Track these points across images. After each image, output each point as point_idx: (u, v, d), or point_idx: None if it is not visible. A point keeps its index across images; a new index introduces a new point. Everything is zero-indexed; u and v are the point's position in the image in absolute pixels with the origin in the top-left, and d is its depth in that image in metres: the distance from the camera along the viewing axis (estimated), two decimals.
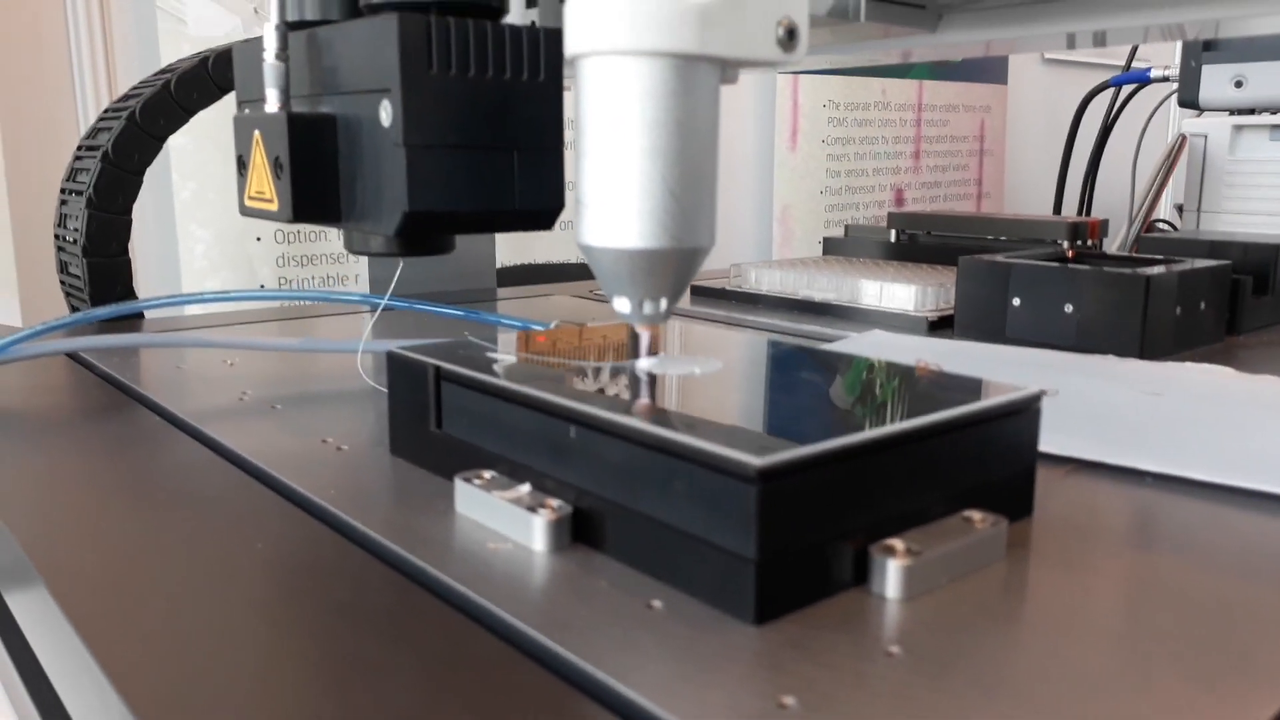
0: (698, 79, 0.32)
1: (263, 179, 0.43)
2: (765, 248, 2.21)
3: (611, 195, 0.33)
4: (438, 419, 0.37)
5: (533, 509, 0.31)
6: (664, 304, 0.34)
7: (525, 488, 0.32)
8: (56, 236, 0.76)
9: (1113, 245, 1.91)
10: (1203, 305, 0.66)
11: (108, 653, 0.25)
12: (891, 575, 0.28)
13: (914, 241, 0.95)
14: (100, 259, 0.72)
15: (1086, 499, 0.36)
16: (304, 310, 0.79)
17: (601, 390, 0.33)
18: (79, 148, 0.75)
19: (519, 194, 0.41)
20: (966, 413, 0.31)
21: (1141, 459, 0.39)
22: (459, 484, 0.33)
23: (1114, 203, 1.88)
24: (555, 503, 0.31)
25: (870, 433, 0.28)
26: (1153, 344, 0.61)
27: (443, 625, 0.26)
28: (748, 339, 0.42)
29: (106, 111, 0.76)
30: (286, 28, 0.41)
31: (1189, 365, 0.57)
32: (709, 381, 0.35)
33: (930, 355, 0.61)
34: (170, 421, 0.45)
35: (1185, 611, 0.27)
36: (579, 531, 0.31)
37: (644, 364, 0.36)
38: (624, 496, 0.29)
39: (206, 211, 1.59)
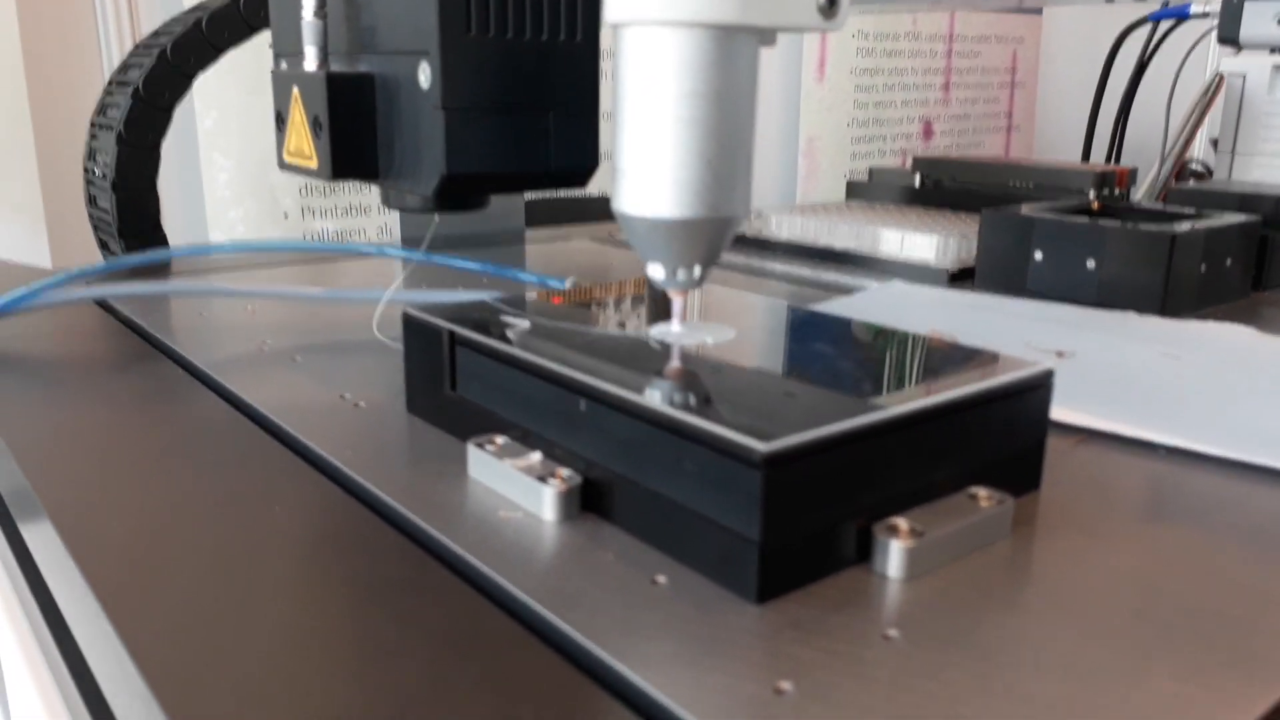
0: (737, 48, 0.32)
1: (302, 136, 0.43)
2: (790, 181, 2.18)
3: (648, 165, 0.33)
4: (452, 382, 0.37)
5: (543, 479, 0.31)
6: (698, 271, 0.35)
7: (536, 455, 0.33)
8: (86, 170, 0.76)
9: (1143, 186, 1.88)
10: (1229, 261, 0.65)
11: (118, 609, 0.26)
12: (894, 556, 0.28)
13: (938, 186, 0.93)
14: (129, 194, 0.72)
15: (1095, 472, 0.36)
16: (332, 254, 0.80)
17: (614, 360, 0.33)
18: (109, 83, 0.75)
19: (554, 154, 0.41)
20: (976, 391, 0.31)
21: (1154, 430, 0.39)
22: (471, 450, 0.34)
23: (1147, 142, 1.84)
24: (565, 472, 0.32)
25: (877, 414, 0.28)
26: (1175, 301, 0.61)
27: (452, 599, 0.27)
28: (762, 304, 0.42)
29: (138, 47, 0.75)
30: None
31: (1210, 325, 0.56)
32: (720, 352, 0.35)
33: (949, 307, 0.60)
34: (190, 373, 0.46)
35: (1190, 598, 0.27)
36: (589, 501, 0.31)
37: (656, 331, 0.37)
38: (632, 471, 0.30)
39: (228, 140, 1.58)
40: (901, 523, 0.29)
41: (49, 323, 0.53)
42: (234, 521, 0.31)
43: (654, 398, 0.30)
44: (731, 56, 0.32)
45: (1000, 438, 0.32)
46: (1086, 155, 1.90)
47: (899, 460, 0.29)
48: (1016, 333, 0.55)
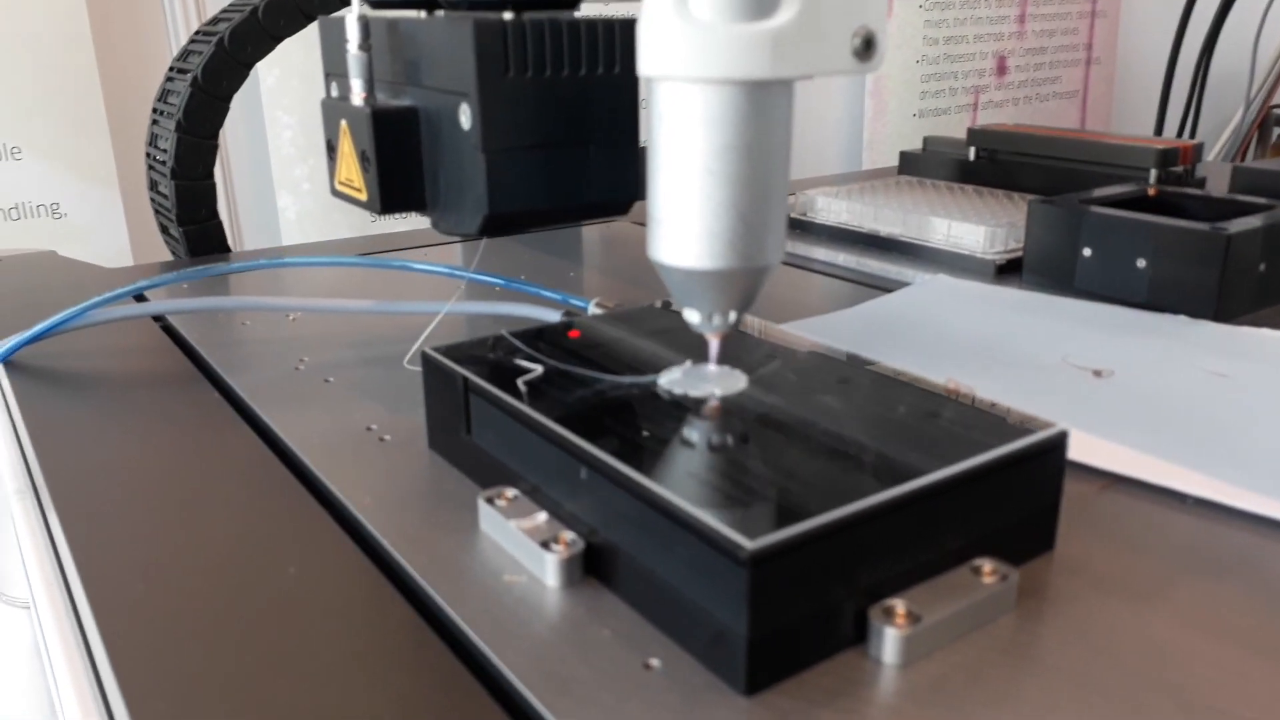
0: (770, 101, 0.32)
1: (351, 168, 0.44)
2: (856, 123, 2.13)
3: (682, 216, 0.33)
4: (467, 427, 0.38)
5: (547, 544, 0.32)
6: (733, 316, 0.35)
7: (543, 516, 0.33)
8: (148, 155, 0.78)
9: (1224, 135, 1.79)
10: None
11: (122, 664, 0.27)
12: (889, 643, 0.28)
13: (993, 160, 0.90)
14: (187, 181, 0.74)
15: (1115, 529, 0.35)
16: (392, 242, 0.81)
17: (618, 420, 0.34)
18: (170, 69, 0.76)
19: (595, 186, 0.41)
20: (983, 463, 0.31)
21: (1183, 478, 0.38)
22: (482, 505, 0.34)
23: (1234, 78, 1.75)
24: (570, 536, 0.32)
25: (872, 500, 0.28)
26: (1231, 303, 0.58)
27: (448, 682, 0.28)
28: (779, 345, 0.41)
29: (197, 34, 0.77)
30: (368, 20, 0.42)
31: (1267, 334, 0.54)
32: (727, 407, 0.35)
33: (991, 308, 0.59)
34: (225, 395, 0.47)
35: (1194, 692, 0.27)
36: (592, 564, 0.32)
37: (665, 381, 0.37)
38: (628, 545, 0.30)
39: (290, 98, 1.60)
40: (899, 606, 0.29)
41: (94, 336, 0.55)
42: (246, 581, 0.32)
43: (650, 472, 0.30)
44: (764, 109, 0.32)
45: (1010, 505, 0.32)
46: (1167, 91, 1.82)
47: (897, 540, 0.29)
48: (1056, 342, 0.53)
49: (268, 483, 0.39)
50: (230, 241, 0.75)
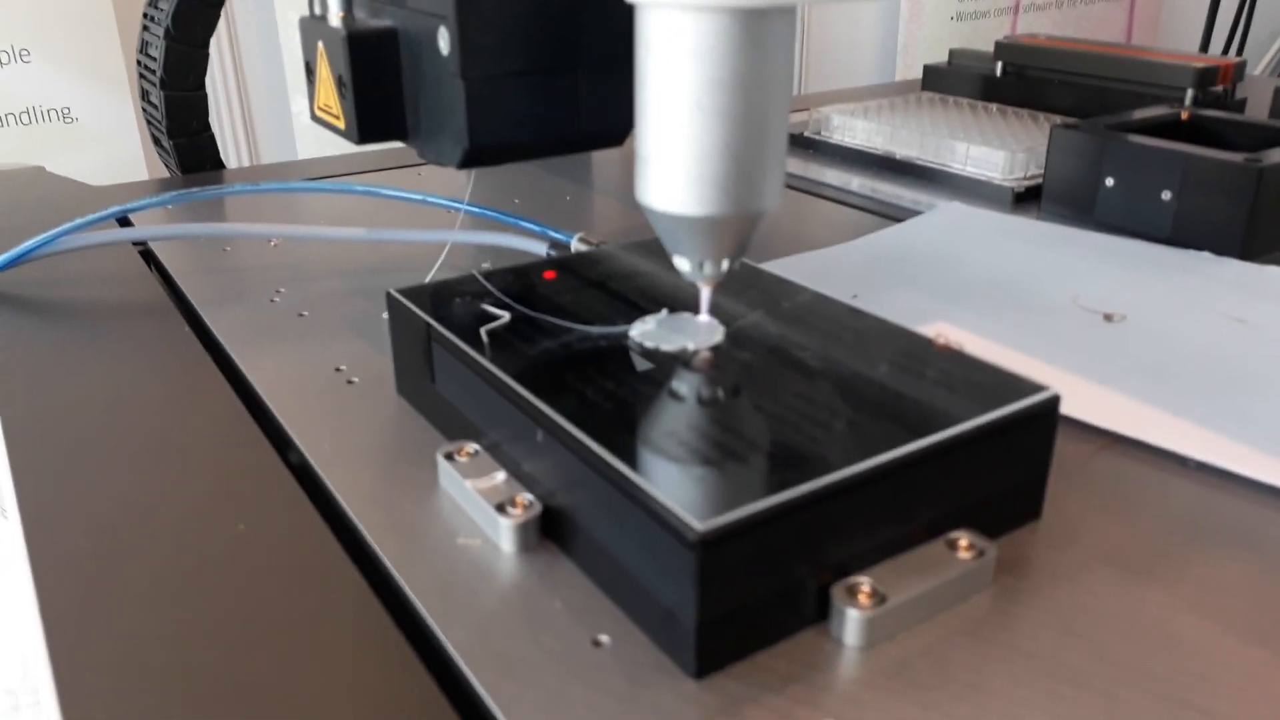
0: (767, 31, 0.29)
1: (329, 93, 0.42)
2: (891, 24, 2.05)
3: (671, 156, 0.31)
4: (431, 375, 0.36)
5: (503, 507, 0.30)
6: (725, 264, 0.33)
7: (501, 476, 0.32)
8: (138, 62, 0.76)
9: (1272, 48, 1.70)
10: None
11: (55, 625, 0.26)
12: (850, 625, 0.26)
13: (1021, 77, 0.86)
14: (177, 92, 0.72)
15: (1109, 494, 0.33)
16: (399, 158, 0.78)
17: (583, 376, 0.32)
18: None
19: (585, 117, 0.39)
20: (963, 432, 0.29)
21: (1184, 440, 0.36)
22: (441, 461, 0.33)
23: None
24: (527, 498, 0.31)
25: (839, 473, 0.26)
26: (1260, 240, 0.55)
27: (389, 656, 0.26)
28: (766, 291, 0.39)
29: None
30: None
31: None
32: (698, 364, 0.33)
33: (1005, 240, 0.56)
34: (196, 328, 0.46)
35: (1171, 685, 0.25)
36: (550, 526, 0.31)
37: (637, 332, 0.35)
38: (582, 515, 0.29)
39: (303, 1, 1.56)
40: (864, 584, 0.27)
41: (71, 262, 0.53)
42: (195, 537, 0.31)
43: (606, 438, 0.28)
44: (760, 39, 0.29)
45: (993, 475, 0.30)
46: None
47: (865, 515, 0.27)
48: (1068, 281, 0.50)
49: (228, 428, 0.38)
50: (245, 149, 0.73)
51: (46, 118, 1.48)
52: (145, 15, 0.74)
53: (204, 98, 0.73)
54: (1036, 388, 0.31)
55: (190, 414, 0.39)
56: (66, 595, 0.29)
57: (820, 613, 0.27)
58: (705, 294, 0.34)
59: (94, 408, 0.39)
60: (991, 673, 0.26)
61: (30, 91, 1.46)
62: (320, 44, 0.42)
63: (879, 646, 0.27)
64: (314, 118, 0.45)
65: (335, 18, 0.40)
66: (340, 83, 0.40)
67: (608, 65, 0.39)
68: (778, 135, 0.31)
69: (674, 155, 0.30)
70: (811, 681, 0.25)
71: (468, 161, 0.38)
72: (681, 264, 0.33)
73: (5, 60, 1.42)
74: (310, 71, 0.44)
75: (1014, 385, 0.31)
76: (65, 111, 1.50)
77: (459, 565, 0.30)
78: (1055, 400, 0.31)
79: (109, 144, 1.51)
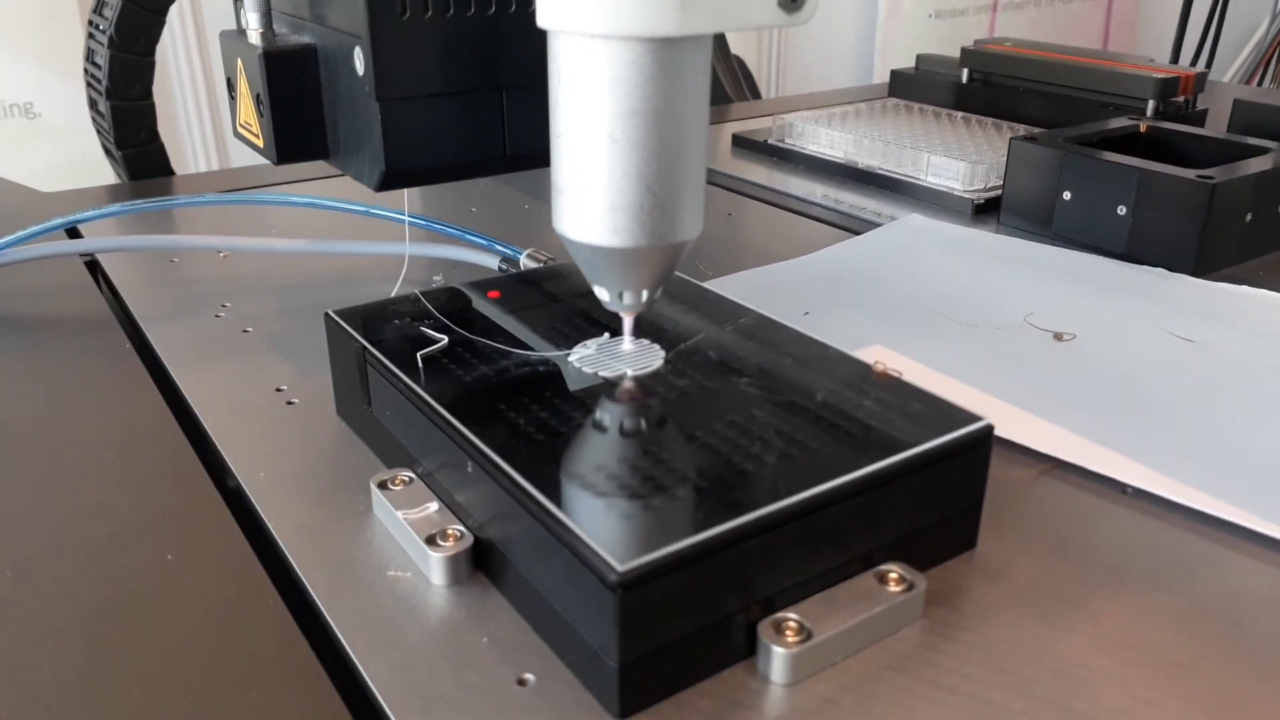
0: (680, 60, 0.29)
1: (249, 111, 0.41)
2: (870, 20, 2.04)
3: (585, 187, 0.30)
4: (367, 399, 0.36)
5: (433, 539, 0.30)
6: (644, 295, 0.32)
7: (434, 506, 0.32)
8: (85, 71, 0.74)
9: (1242, 53, 1.71)
10: None
11: None
12: (776, 662, 0.26)
13: (987, 84, 0.86)
14: (123, 102, 0.71)
15: (1045, 524, 0.33)
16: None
17: (516, 405, 0.31)
18: None
19: (511, 137, 0.38)
20: (894, 464, 0.28)
21: (1126, 468, 0.36)
22: (374, 489, 0.33)
23: None
24: (458, 530, 0.30)
25: (764, 510, 0.26)
26: (1213, 255, 0.55)
27: (312, 696, 0.26)
28: (710, 313, 0.39)
29: None
30: None
31: (1246, 293, 0.51)
32: (634, 392, 0.32)
33: (961, 255, 0.56)
34: (138, 345, 0.45)
35: None
36: (481, 558, 0.30)
37: (576, 358, 0.34)
38: (510, 550, 0.28)
39: None
40: (791, 619, 0.27)
41: (16, 274, 0.52)
42: (122, 567, 0.31)
43: (534, 471, 0.28)
44: (674, 70, 0.29)
45: (926, 507, 0.30)
46: (1189, 1, 1.73)
47: (794, 551, 0.27)
48: (1021, 299, 0.50)
49: (164, 452, 0.37)
50: (214, 152, 0.72)
51: (9, 113, 1.46)
52: (90, 23, 0.73)
53: (151, 107, 0.72)
54: (971, 418, 0.31)
55: (127, 436, 0.38)
56: None
57: (749, 648, 0.27)
58: (627, 323, 0.34)
59: (28, 427, 0.39)
60: (915, 709, 0.26)
61: None
62: (239, 60, 0.41)
63: (805, 683, 0.26)
64: (236, 135, 0.44)
65: (254, 34, 0.39)
66: (258, 101, 0.39)
67: (533, 84, 0.38)
68: (695, 165, 0.31)
69: (587, 186, 0.30)
70: (735, 719, 0.25)
71: (386, 184, 0.37)
72: (601, 293, 0.33)
73: None
74: (231, 87, 0.43)
75: (949, 415, 0.31)
76: (28, 107, 1.47)
77: (387, 599, 0.29)
78: (988, 430, 0.31)
79: (72, 139, 1.48)
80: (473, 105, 0.36)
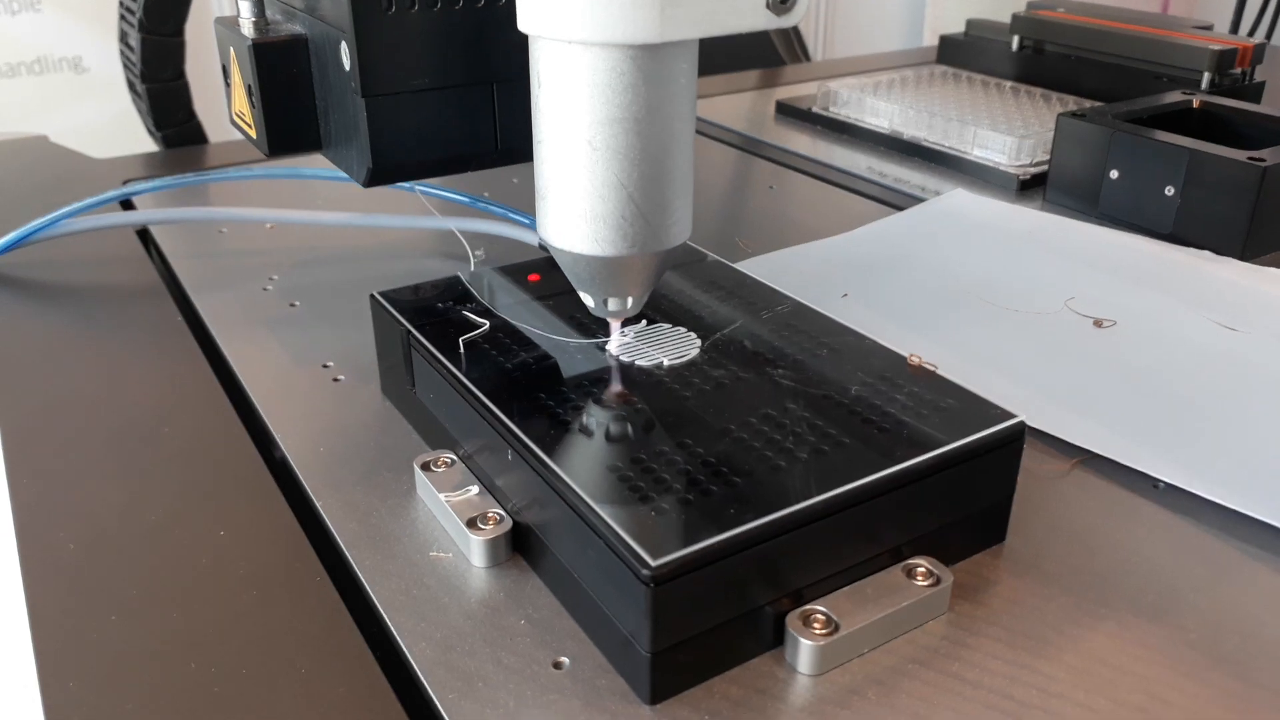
0: (662, 67, 0.29)
1: (242, 100, 0.41)
2: None
3: (567, 194, 0.30)
4: (411, 381, 0.37)
5: (474, 522, 0.31)
6: (630, 302, 0.33)
7: (475, 490, 0.33)
8: (120, 52, 0.75)
9: None
10: None
11: (42, 629, 0.27)
12: (803, 654, 0.27)
13: (1038, 52, 0.84)
14: (158, 84, 0.71)
15: (1075, 519, 0.34)
16: None
17: (555, 392, 0.32)
18: None
19: (502, 131, 0.38)
20: (925, 462, 0.29)
21: (1158, 464, 0.36)
22: (418, 471, 0.34)
23: None
24: (498, 513, 0.31)
25: (796, 506, 0.27)
26: (1262, 239, 0.54)
27: (355, 672, 0.27)
28: (752, 292, 0.39)
29: None
30: None
31: None
32: (670, 380, 0.33)
33: (1004, 234, 0.56)
34: (189, 317, 0.47)
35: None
36: (519, 541, 0.31)
37: (613, 345, 0.35)
38: (548, 536, 0.29)
39: None
40: (819, 612, 0.28)
41: (68, 242, 0.54)
42: (179, 544, 0.32)
43: (572, 463, 0.28)
44: (656, 77, 0.29)
45: (956, 503, 0.30)
46: None
47: (824, 546, 0.28)
48: (1063, 281, 0.50)
49: (216, 427, 0.38)
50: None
51: (58, 67, 1.48)
52: (121, 4, 0.74)
53: (185, 86, 0.72)
54: (1003, 415, 0.31)
55: (179, 411, 0.40)
56: (55, 603, 0.30)
57: (777, 638, 0.28)
58: (615, 328, 0.34)
59: (86, 404, 0.40)
60: (938, 703, 0.26)
61: (41, 41, 1.45)
62: (231, 50, 0.40)
63: (831, 674, 0.27)
64: (231, 122, 0.44)
65: (246, 23, 0.38)
66: (250, 91, 0.39)
67: (521, 78, 0.36)
68: (680, 171, 0.30)
69: (568, 193, 0.30)
70: (762, 709, 0.26)
71: (374, 179, 0.36)
72: (587, 299, 0.33)
73: (17, 9, 1.42)
74: (226, 74, 0.43)
75: (981, 411, 0.31)
76: (76, 61, 1.49)
77: (429, 579, 0.30)
78: (1021, 428, 0.31)
79: (121, 93, 1.50)
80: (462, 99, 0.36)
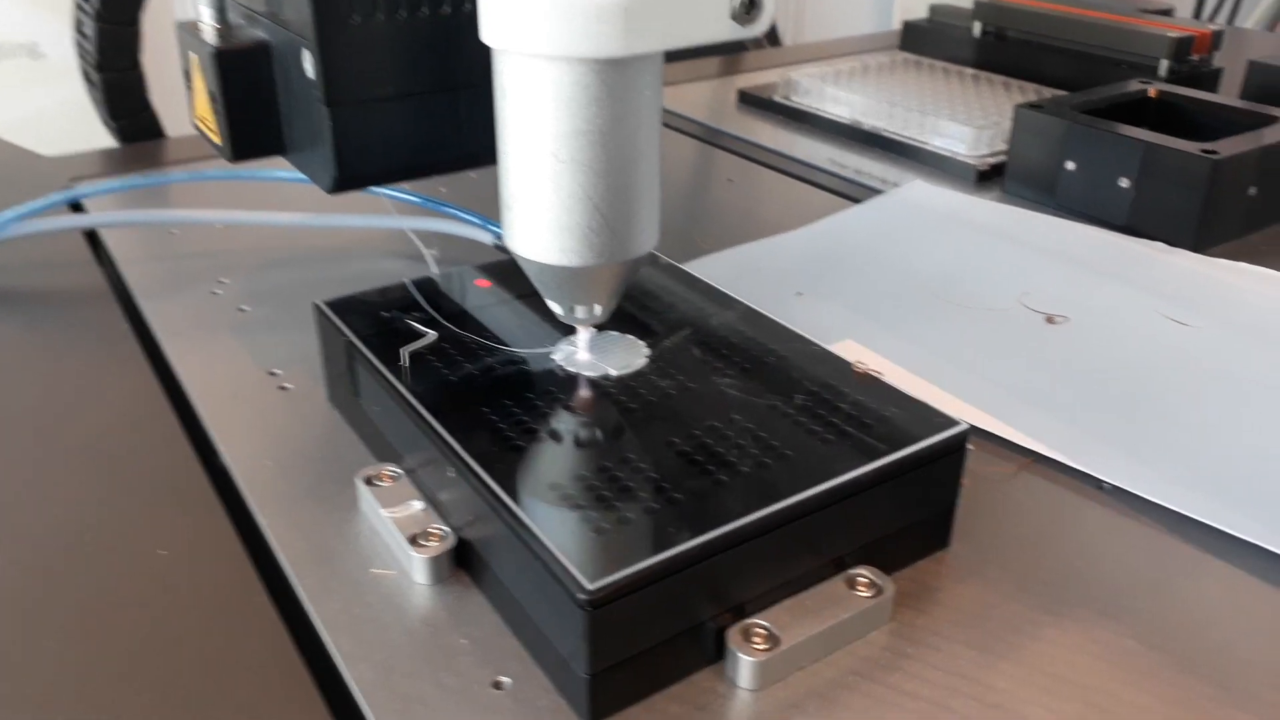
0: (627, 80, 0.29)
1: (205, 105, 0.40)
2: None
3: (532, 205, 0.30)
4: (355, 391, 0.36)
5: (416, 539, 0.31)
6: (598, 309, 0.33)
7: (418, 505, 0.32)
8: (76, 41, 0.74)
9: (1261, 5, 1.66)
10: None
11: None
12: (743, 669, 0.27)
13: (1000, 38, 0.84)
14: (113, 74, 0.70)
15: (1020, 522, 0.34)
16: None
17: (502, 400, 0.32)
18: None
19: (466, 137, 0.37)
20: (866, 473, 0.29)
21: (1104, 465, 0.36)
22: (360, 486, 0.33)
23: None
24: (442, 530, 0.31)
25: (735, 523, 0.27)
26: (1214, 230, 0.55)
27: (294, 698, 0.27)
28: (696, 299, 0.39)
29: None
30: None
31: (1246, 271, 0.51)
32: (619, 392, 0.33)
33: (961, 226, 0.56)
34: (135, 322, 0.46)
35: None
36: (463, 557, 0.31)
37: (560, 356, 0.35)
38: (490, 555, 0.29)
39: None
40: (760, 626, 0.28)
41: (14, 245, 0.53)
42: (119, 563, 0.32)
43: (512, 481, 0.28)
44: (621, 90, 0.29)
45: (899, 511, 0.30)
46: None
47: (764, 561, 0.28)
48: (1018, 275, 0.50)
49: (159, 441, 0.38)
50: None
51: (14, 53, 1.45)
52: None
53: (140, 77, 0.71)
54: (947, 422, 0.31)
55: (122, 423, 0.39)
56: None
57: (719, 652, 0.28)
58: (583, 335, 0.34)
59: (23, 415, 0.39)
60: (877, 715, 0.27)
61: None
62: (194, 55, 0.40)
63: (772, 689, 0.27)
64: (194, 125, 0.43)
65: (207, 29, 0.38)
66: (213, 98, 0.38)
67: (489, 83, 0.37)
68: (646, 182, 0.30)
69: (534, 205, 0.30)
70: None
71: (339, 187, 0.36)
72: (554, 307, 0.33)
73: None
74: (188, 78, 0.42)
75: (925, 419, 0.31)
76: (33, 47, 1.46)
77: (371, 597, 0.30)
78: (964, 435, 0.31)
79: (78, 80, 1.47)
80: (427, 106, 0.36)
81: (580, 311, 0.33)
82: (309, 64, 0.34)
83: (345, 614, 0.30)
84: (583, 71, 0.28)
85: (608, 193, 0.30)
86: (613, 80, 0.28)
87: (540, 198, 0.30)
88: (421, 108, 0.36)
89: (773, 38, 1.26)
